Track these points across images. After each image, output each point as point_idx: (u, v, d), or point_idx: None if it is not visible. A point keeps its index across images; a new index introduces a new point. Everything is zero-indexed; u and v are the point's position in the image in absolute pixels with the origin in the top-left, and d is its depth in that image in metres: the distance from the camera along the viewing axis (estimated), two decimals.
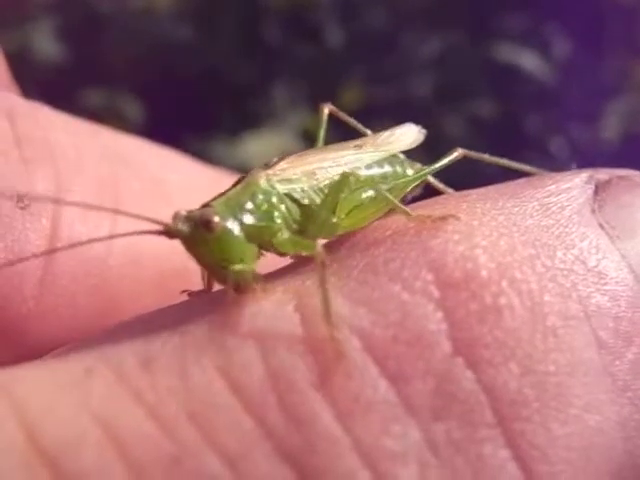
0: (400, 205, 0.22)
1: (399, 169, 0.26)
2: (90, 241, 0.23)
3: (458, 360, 0.19)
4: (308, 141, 0.99)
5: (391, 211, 0.23)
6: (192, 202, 0.22)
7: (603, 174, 0.22)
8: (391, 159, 0.27)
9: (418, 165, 0.28)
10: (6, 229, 0.26)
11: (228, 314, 0.20)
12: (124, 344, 0.20)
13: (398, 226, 0.21)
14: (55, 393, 0.19)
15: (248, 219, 0.22)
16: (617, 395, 0.19)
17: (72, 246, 0.24)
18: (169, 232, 0.22)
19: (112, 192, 0.29)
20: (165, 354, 0.19)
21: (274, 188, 0.23)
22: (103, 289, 0.28)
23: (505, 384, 0.18)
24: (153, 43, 1.20)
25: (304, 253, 0.22)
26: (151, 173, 0.32)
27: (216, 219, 0.21)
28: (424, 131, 0.28)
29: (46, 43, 1.16)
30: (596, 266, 0.20)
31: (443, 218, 0.20)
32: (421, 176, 0.26)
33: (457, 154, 0.26)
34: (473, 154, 0.27)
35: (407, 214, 0.21)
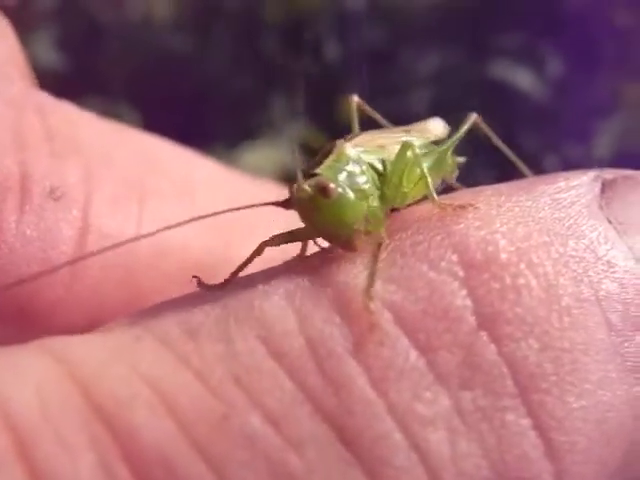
0: (432, 188, 0.25)
1: (444, 154, 0.30)
2: (169, 228, 0.23)
3: (482, 334, 0.20)
4: (306, 154, 0.99)
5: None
6: (216, 201, 0.23)
7: (609, 174, 0.24)
8: (430, 145, 0.30)
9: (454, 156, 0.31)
10: (39, 219, 0.28)
11: (269, 284, 0.21)
12: (169, 317, 0.21)
13: (422, 213, 0.23)
14: (107, 357, 0.20)
15: (353, 182, 0.24)
16: (626, 375, 0.21)
17: (137, 238, 0.25)
18: (287, 203, 0.24)
19: (139, 187, 0.31)
20: (209, 324, 0.21)
21: (361, 159, 0.25)
22: (130, 280, 0.29)
23: (525, 358, 0.20)
24: (151, 54, 1.21)
25: (368, 232, 0.24)
26: (176, 171, 0.33)
27: (332, 185, 0.23)
28: (448, 127, 0.32)
29: (45, 52, 1.16)
30: (605, 255, 0.22)
31: (463, 206, 0.22)
32: (449, 147, 0.29)
33: (474, 118, 0.31)
34: (485, 127, 0.31)
35: (433, 199, 0.24)
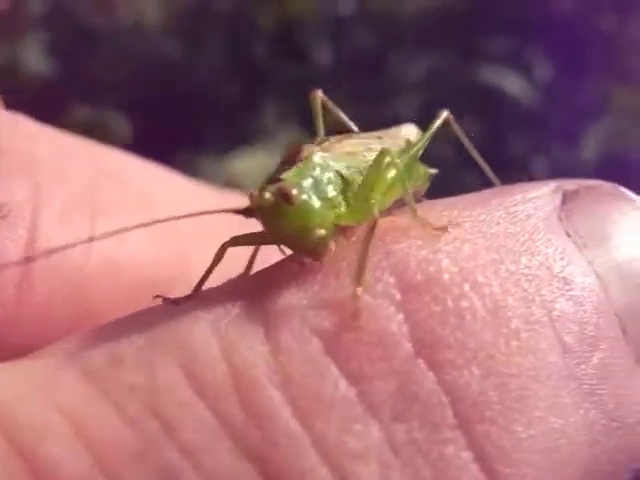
0: (412, 201, 0.23)
1: (416, 162, 0.28)
2: (119, 232, 0.22)
3: (419, 361, 0.19)
4: None
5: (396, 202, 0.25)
6: (177, 214, 0.22)
7: (571, 184, 0.23)
8: (404, 150, 0.28)
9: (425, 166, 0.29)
10: None
11: (199, 309, 0.20)
12: (96, 344, 0.20)
13: (363, 232, 0.22)
14: (24, 387, 0.19)
15: (318, 190, 0.23)
16: (582, 399, 0.20)
17: (103, 236, 0.23)
18: (248, 211, 0.22)
19: (91, 202, 0.30)
20: (132, 353, 0.20)
21: (329, 165, 0.24)
22: (80, 297, 0.28)
23: (467, 386, 0.19)
24: (142, 59, 1.21)
25: (358, 221, 0.23)
26: (135, 186, 0.32)
27: (295, 191, 0.21)
28: (421, 132, 0.29)
29: (35, 58, 1.16)
30: (561, 272, 0.20)
31: (444, 228, 0.21)
32: (419, 148, 0.27)
33: (445, 115, 0.28)
34: (455, 126, 0.28)
35: (414, 213, 0.22)
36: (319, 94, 0.30)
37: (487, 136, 1.07)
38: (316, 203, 0.22)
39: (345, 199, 0.23)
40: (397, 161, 0.23)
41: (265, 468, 0.18)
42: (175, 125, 1.03)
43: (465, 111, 1.18)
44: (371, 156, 0.25)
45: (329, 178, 0.23)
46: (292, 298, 0.20)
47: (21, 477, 0.17)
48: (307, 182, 0.23)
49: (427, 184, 0.29)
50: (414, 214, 0.22)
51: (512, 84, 1.13)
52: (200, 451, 0.18)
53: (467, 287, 0.19)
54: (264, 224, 0.22)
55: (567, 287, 0.20)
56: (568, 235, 0.21)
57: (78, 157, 0.31)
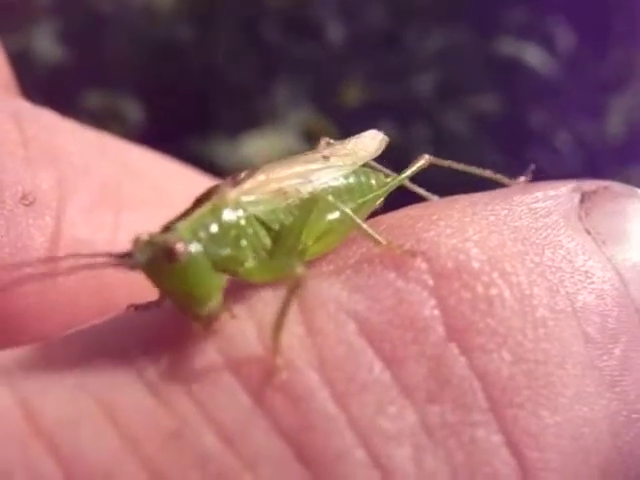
0: (371, 233, 0.21)
1: (367, 182, 0.25)
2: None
3: (451, 345, 0.19)
4: (309, 140, 0.98)
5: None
6: None
7: (589, 185, 0.23)
8: (359, 171, 0.25)
9: (382, 175, 0.26)
10: (10, 224, 0.27)
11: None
12: (127, 330, 0.20)
13: (392, 220, 0.22)
14: (53, 374, 0.19)
15: (215, 246, 0.20)
16: (605, 389, 0.20)
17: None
18: (126, 262, 0.20)
19: (115, 196, 0.30)
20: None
21: (245, 210, 0.21)
22: (104, 291, 0.28)
23: (497, 371, 0.19)
24: (153, 43, 1.20)
25: (275, 278, 0.21)
26: (154, 181, 0.32)
27: (180, 247, 0.19)
28: (387, 138, 0.27)
29: (47, 45, 1.16)
30: (583, 266, 0.21)
31: (413, 253, 0.20)
32: (388, 189, 0.25)
33: (424, 161, 0.26)
34: (439, 161, 0.26)
35: (378, 243, 0.21)
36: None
37: (507, 111, 1.04)
38: (205, 263, 0.20)
39: (263, 251, 0.21)
40: (334, 202, 0.22)
41: (301, 449, 0.18)
42: (187, 108, 1.02)
43: (484, 85, 1.15)
44: (305, 189, 0.23)
45: (240, 228, 0.21)
46: (326, 283, 0.20)
47: (48, 468, 0.17)
48: (202, 235, 0.20)
49: (384, 196, 0.26)
50: (378, 243, 0.21)
51: (532, 56, 1.10)
52: (235, 432, 0.18)
53: (495, 275, 0.20)
54: (148, 278, 0.20)
55: (589, 280, 0.21)
56: (588, 232, 0.22)
57: (100, 151, 0.31)
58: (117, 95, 1.09)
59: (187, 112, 1.01)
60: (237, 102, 1.09)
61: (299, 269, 0.19)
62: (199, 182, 0.34)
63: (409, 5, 1.18)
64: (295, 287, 0.19)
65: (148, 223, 0.21)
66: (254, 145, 1.02)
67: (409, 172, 0.25)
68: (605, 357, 0.20)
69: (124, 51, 1.17)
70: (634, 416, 0.21)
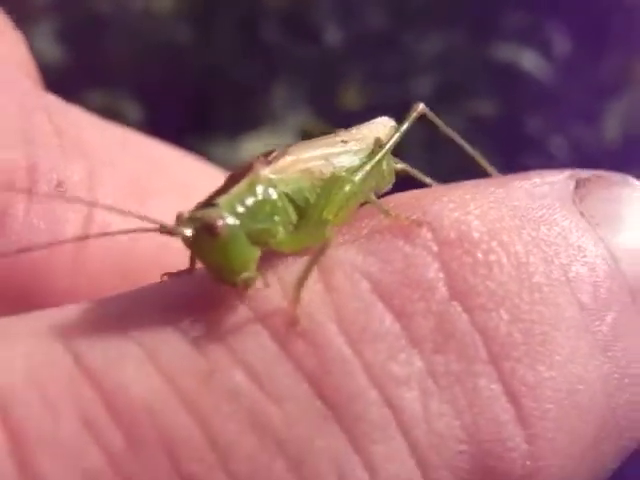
0: (381, 205, 0.24)
1: (379, 163, 0.27)
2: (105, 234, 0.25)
3: (454, 304, 0.21)
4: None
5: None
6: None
7: (583, 173, 0.25)
8: (373, 153, 0.27)
9: (391, 159, 0.28)
10: (46, 209, 0.28)
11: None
12: (167, 285, 0.23)
13: (400, 199, 0.24)
14: (100, 326, 0.21)
15: (251, 221, 0.22)
16: (598, 352, 0.22)
17: (99, 235, 0.26)
18: (171, 232, 0.22)
19: (139, 187, 0.31)
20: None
21: (276, 188, 0.23)
22: (130, 274, 0.29)
23: (496, 327, 0.21)
24: (152, 44, 1.20)
25: (302, 247, 0.23)
26: (176, 176, 0.33)
27: (220, 223, 0.21)
28: (397, 125, 0.29)
29: (46, 45, 1.15)
30: (576, 241, 0.23)
31: (419, 223, 0.22)
32: (387, 151, 0.27)
33: (420, 109, 0.28)
34: (433, 116, 0.28)
35: (387, 213, 0.23)
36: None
37: (504, 115, 1.05)
38: (243, 238, 0.22)
39: (290, 225, 0.24)
40: (353, 179, 0.24)
41: (321, 389, 0.20)
42: (185, 109, 1.02)
43: (481, 89, 1.16)
44: (327, 170, 0.25)
45: (273, 204, 0.23)
46: (342, 248, 0.22)
47: (93, 401, 0.19)
48: (240, 211, 0.22)
49: (393, 180, 0.28)
50: (387, 213, 0.23)
51: (529, 61, 1.10)
52: (263, 372, 0.20)
53: (494, 244, 0.22)
54: (188, 249, 0.22)
55: (581, 254, 0.23)
56: (582, 215, 0.23)
57: (123, 145, 0.33)
58: (116, 96, 1.09)
59: (186, 113, 1.01)
60: (236, 103, 1.10)
61: (329, 232, 0.22)
62: (216, 175, 0.36)
63: (408, 8, 1.18)
64: (323, 248, 0.21)
65: (172, 213, 0.22)
66: (252, 146, 1.02)
67: (407, 124, 0.27)
68: (597, 323, 0.22)
69: (123, 51, 1.17)
70: (626, 380, 0.22)
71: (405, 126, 0.27)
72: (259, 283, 0.22)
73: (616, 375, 0.22)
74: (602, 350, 0.22)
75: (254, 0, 1.23)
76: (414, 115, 0.28)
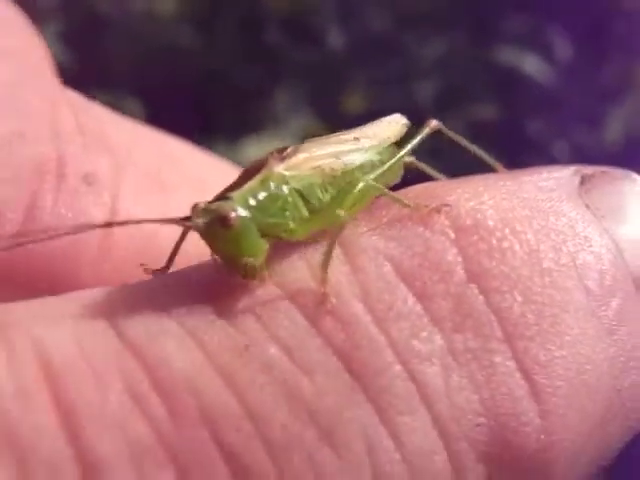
0: (398, 197, 0.25)
1: (390, 160, 0.28)
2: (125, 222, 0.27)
3: (472, 286, 0.23)
4: None
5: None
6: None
7: (588, 169, 0.26)
8: (384, 151, 0.28)
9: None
10: (74, 200, 0.30)
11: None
12: (199, 269, 0.24)
13: (414, 191, 0.25)
14: (139, 301, 0.22)
15: (263, 215, 0.23)
16: (604, 335, 0.23)
17: (123, 223, 0.27)
18: (186, 224, 0.23)
19: (158, 181, 0.32)
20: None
21: (288, 184, 0.24)
22: (152, 263, 0.30)
23: (510, 308, 0.23)
24: (155, 46, 1.20)
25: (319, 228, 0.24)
26: (193, 171, 0.35)
27: (233, 215, 0.22)
28: (409, 123, 0.29)
29: (50, 47, 1.16)
30: (583, 231, 0.24)
31: (437, 210, 0.24)
32: (403, 156, 0.28)
33: (433, 125, 0.29)
34: (446, 130, 0.29)
35: (404, 204, 0.24)
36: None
37: (505, 119, 1.05)
38: (254, 231, 0.23)
39: (301, 220, 0.25)
40: (369, 181, 0.25)
41: (349, 363, 0.21)
42: (188, 111, 1.03)
43: (483, 93, 1.16)
44: (339, 167, 0.26)
45: (285, 199, 0.24)
46: (365, 235, 0.24)
47: (137, 374, 0.20)
48: (253, 205, 0.23)
49: (402, 173, 0.29)
50: (405, 204, 0.24)
51: (531, 65, 1.10)
52: (294, 346, 0.21)
53: (507, 232, 0.24)
54: (202, 238, 0.24)
55: (587, 244, 0.24)
56: (587, 207, 0.25)
57: (143, 142, 0.34)
58: (118, 98, 1.09)
59: (188, 115, 1.02)
60: (238, 106, 1.10)
61: (343, 213, 0.23)
62: (228, 170, 0.37)
63: (410, 12, 1.19)
64: (339, 229, 0.23)
65: (188, 205, 0.23)
66: (254, 149, 1.02)
67: (419, 139, 0.28)
68: (603, 308, 0.23)
69: (126, 54, 1.17)
70: (632, 363, 0.24)
71: (417, 140, 0.28)
72: (266, 275, 0.23)
73: (622, 358, 0.23)
74: (608, 333, 0.23)
75: (257, 3, 1.23)
76: (426, 130, 0.28)
